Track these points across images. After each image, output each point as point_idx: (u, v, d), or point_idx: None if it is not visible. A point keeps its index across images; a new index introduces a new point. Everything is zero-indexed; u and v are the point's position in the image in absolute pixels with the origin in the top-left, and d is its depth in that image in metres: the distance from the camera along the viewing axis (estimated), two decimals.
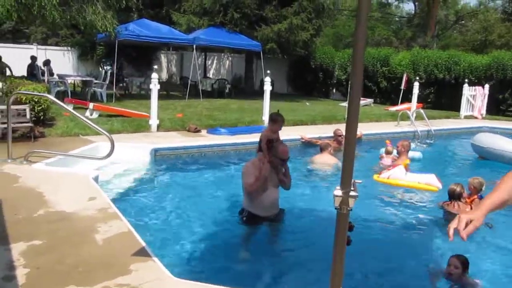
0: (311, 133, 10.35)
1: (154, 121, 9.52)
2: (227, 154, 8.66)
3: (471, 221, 1.91)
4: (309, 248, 4.63)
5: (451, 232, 1.94)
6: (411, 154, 8.95)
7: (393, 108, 16.67)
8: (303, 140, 9.81)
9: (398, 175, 6.70)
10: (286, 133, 10.22)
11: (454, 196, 5.58)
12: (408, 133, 11.92)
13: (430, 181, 6.63)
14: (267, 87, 11.15)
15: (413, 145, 9.32)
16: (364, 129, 11.34)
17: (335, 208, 2.12)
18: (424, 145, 11.19)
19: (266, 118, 11.21)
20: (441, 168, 8.62)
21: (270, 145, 4.55)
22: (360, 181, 2.33)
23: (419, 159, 9.01)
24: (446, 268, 3.86)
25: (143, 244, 3.64)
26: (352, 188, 2.11)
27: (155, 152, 7.79)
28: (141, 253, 3.48)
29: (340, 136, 9.67)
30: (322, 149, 8.32)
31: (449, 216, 5.50)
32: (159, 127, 9.66)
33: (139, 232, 3.96)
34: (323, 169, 7.87)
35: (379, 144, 9.93)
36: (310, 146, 9.56)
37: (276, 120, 5.07)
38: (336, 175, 7.61)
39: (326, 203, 6.23)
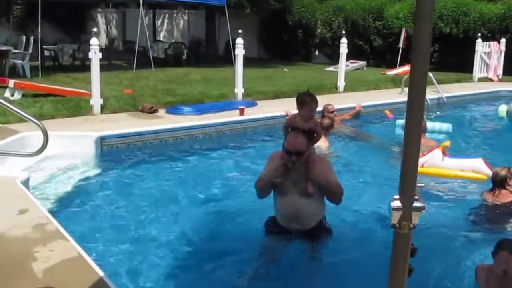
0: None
1: (97, 101, 9.00)
2: (194, 139, 8.33)
3: None
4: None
5: None
6: (437, 126, 8.75)
7: (392, 72, 16.55)
8: (288, 117, 9.49)
9: (435, 161, 6.35)
10: (266, 109, 9.99)
11: (495, 182, 5.35)
12: None
13: (477, 167, 6.27)
14: (240, 52, 10.76)
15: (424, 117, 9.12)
16: (361, 99, 11.15)
17: (392, 227, 1.80)
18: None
19: (239, 90, 10.91)
20: (470, 147, 8.40)
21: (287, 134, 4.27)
22: (423, 184, 2.03)
23: (447, 131, 8.76)
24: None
25: (101, 273, 3.28)
26: (416, 197, 1.79)
27: (102, 141, 7.37)
28: (99, 287, 3.14)
29: (332, 112, 9.27)
30: (324, 127, 7.96)
31: (487, 209, 5.31)
32: (103, 108, 9.17)
33: (92, 255, 3.63)
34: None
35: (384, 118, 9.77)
36: None
37: (304, 101, 4.69)
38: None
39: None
